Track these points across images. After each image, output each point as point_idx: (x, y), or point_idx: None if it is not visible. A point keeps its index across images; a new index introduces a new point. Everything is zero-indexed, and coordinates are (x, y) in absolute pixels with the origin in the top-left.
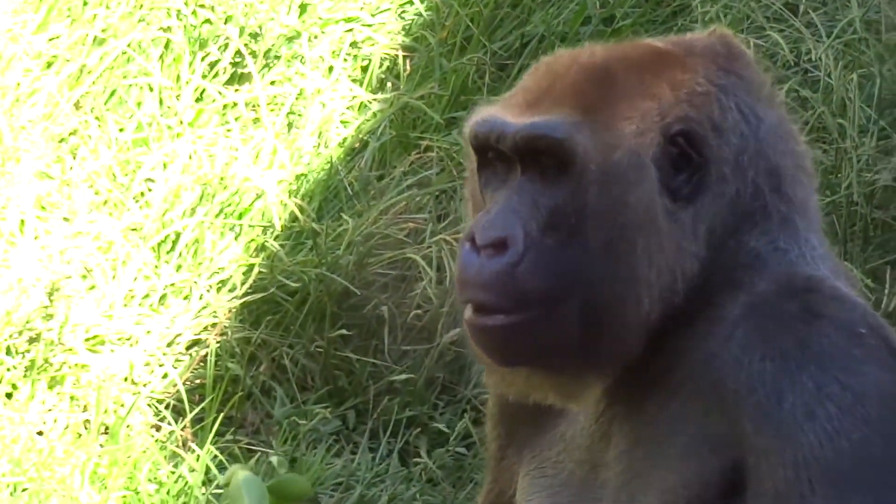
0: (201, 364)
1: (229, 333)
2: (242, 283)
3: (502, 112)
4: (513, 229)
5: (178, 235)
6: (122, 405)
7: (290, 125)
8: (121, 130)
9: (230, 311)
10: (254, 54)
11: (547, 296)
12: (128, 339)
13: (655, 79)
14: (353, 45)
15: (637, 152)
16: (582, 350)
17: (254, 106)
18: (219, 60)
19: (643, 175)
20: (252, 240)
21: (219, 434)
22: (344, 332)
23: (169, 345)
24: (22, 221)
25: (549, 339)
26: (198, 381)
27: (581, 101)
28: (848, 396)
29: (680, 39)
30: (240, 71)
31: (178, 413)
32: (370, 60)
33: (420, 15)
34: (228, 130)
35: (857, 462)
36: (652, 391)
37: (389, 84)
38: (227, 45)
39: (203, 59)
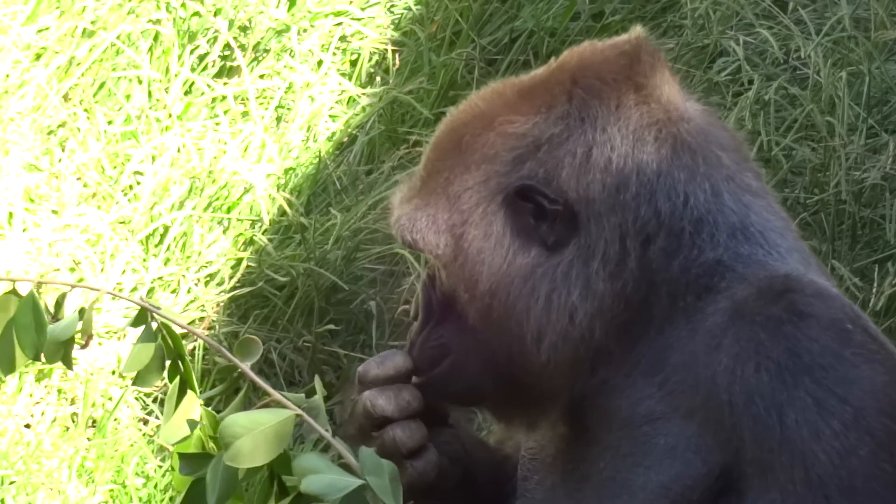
0: (189, 358)
1: (217, 327)
2: (230, 277)
3: (399, 196)
4: (423, 300)
5: (166, 229)
6: (110, 398)
7: (278, 119)
8: (109, 123)
9: (218, 304)
10: (243, 47)
11: (437, 364)
12: (115, 333)
13: (496, 136)
14: (343, 39)
15: (480, 222)
16: (506, 397)
17: (243, 99)
18: (208, 53)
19: (493, 241)
20: (240, 234)
21: None
22: (332, 326)
23: None
24: (10, 214)
25: (458, 391)
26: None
27: (430, 183)
28: (849, 411)
29: (541, 76)
30: (229, 64)
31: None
32: (359, 55)
33: (409, 9)
34: (217, 124)
35: (870, 478)
36: (629, 395)
37: (378, 78)
38: (216, 38)
39: (192, 51)
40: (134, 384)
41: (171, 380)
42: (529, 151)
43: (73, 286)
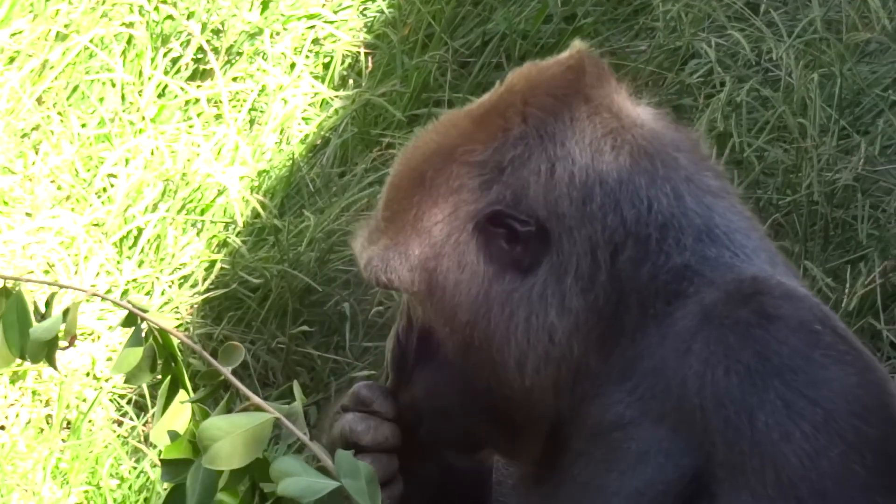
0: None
1: (191, 329)
2: (204, 279)
3: (363, 238)
4: (393, 357)
5: (140, 231)
6: (84, 400)
7: (252, 121)
8: (83, 126)
9: (192, 306)
10: (216, 50)
11: (424, 410)
12: (90, 335)
13: (458, 166)
14: (315, 41)
15: (452, 254)
16: (492, 429)
17: (216, 102)
18: (181, 56)
19: (467, 271)
20: (214, 236)
21: None
22: (305, 328)
23: None
24: None
25: (447, 434)
26: (158, 377)
27: (397, 222)
28: (819, 412)
29: (491, 101)
30: (202, 67)
31: (140, 408)
32: (332, 57)
33: (382, 12)
34: (190, 126)
35: (840, 479)
36: (600, 402)
37: (351, 81)
38: (189, 42)
39: (165, 55)
40: (126, 382)
41: (163, 379)
42: (494, 176)
43: (60, 286)
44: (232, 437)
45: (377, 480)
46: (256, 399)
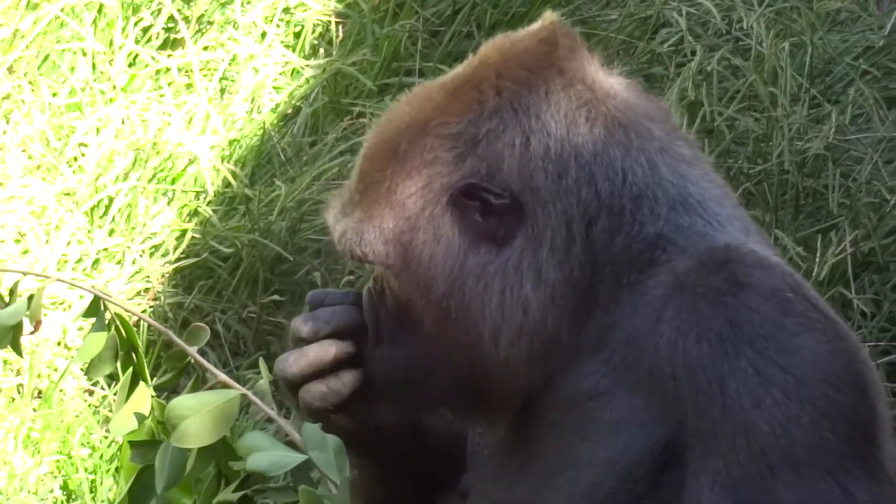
0: (134, 328)
1: (162, 298)
2: (175, 249)
3: (334, 209)
4: (369, 314)
5: (111, 200)
6: (56, 370)
7: (222, 91)
8: (54, 95)
9: (163, 276)
10: (187, 19)
11: (398, 375)
12: (61, 304)
13: (432, 139)
14: (286, 10)
15: (427, 226)
16: (469, 401)
17: (187, 71)
18: (152, 25)
19: (442, 244)
20: (185, 205)
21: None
22: (277, 297)
23: None
24: None
25: (422, 400)
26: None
27: (371, 194)
28: (790, 380)
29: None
30: (173, 36)
31: (112, 377)
32: (303, 26)
33: None
34: (161, 95)
35: (812, 447)
36: (575, 372)
37: (322, 50)
38: (160, 11)
39: (136, 24)
40: (86, 374)
41: (123, 371)
42: (468, 149)
43: (25, 273)
44: (200, 414)
45: (345, 452)
46: (223, 376)
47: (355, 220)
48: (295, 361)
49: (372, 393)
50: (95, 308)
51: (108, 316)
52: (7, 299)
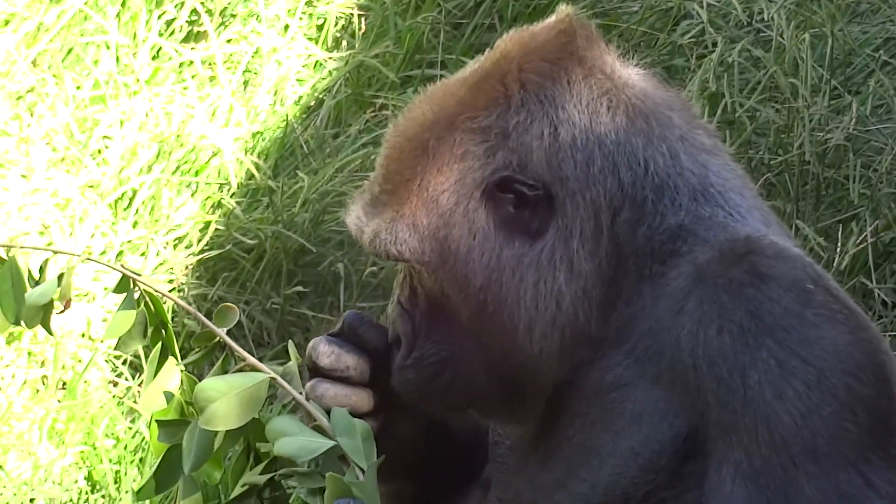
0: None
1: (186, 290)
2: (199, 240)
3: (361, 211)
4: (402, 324)
5: (134, 192)
6: (80, 361)
7: (246, 83)
8: (78, 88)
9: (187, 267)
10: (210, 12)
11: (436, 379)
12: (85, 296)
13: (462, 133)
14: (309, 3)
15: (462, 221)
16: (501, 397)
17: (210, 64)
18: (175, 18)
19: (478, 238)
20: (208, 197)
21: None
22: (300, 288)
23: None
24: None
25: (459, 401)
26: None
27: (400, 193)
28: (811, 371)
29: (486, 68)
30: (196, 29)
31: (135, 369)
32: (325, 19)
33: None
34: (185, 88)
35: (833, 438)
36: (598, 364)
37: (345, 42)
38: (183, 3)
39: (160, 17)
40: (116, 349)
41: (153, 346)
42: (499, 142)
43: (55, 252)
44: (228, 397)
45: (373, 438)
46: (252, 359)
47: (387, 219)
48: (325, 392)
49: (394, 412)
50: (125, 285)
51: (137, 293)
52: (37, 279)
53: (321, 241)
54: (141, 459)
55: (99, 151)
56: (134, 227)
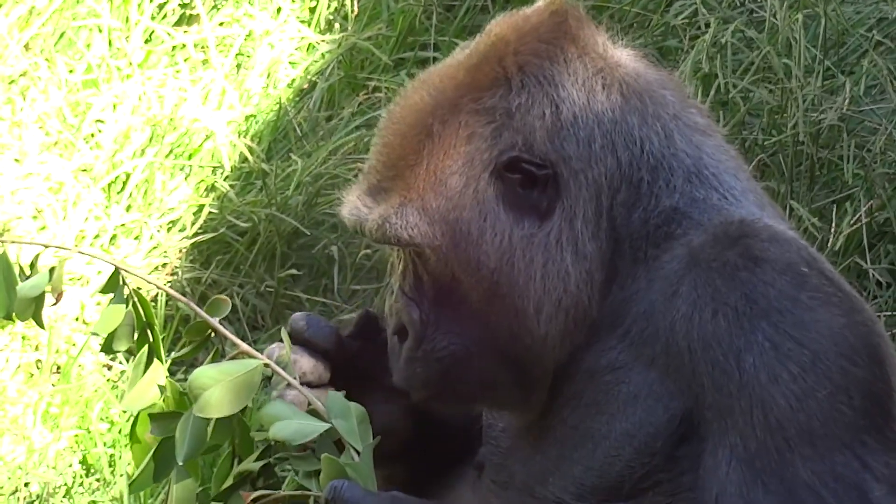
0: (151, 304)
1: (179, 273)
2: (192, 224)
3: (360, 200)
4: (408, 314)
5: (128, 176)
6: (74, 345)
7: (238, 66)
8: (70, 72)
9: (180, 251)
10: None
11: (448, 371)
12: (78, 279)
13: (466, 115)
14: None
15: (473, 203)
16: (508, 382)
17: (203, 47)
18: (167, 2)
19: (489, 219)
20: (202, 180)
21: (170, 373)
22: (294, 271)
23: None
24: None
25: (469, 392)
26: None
27: (406, 178)
28: (806, 354)
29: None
30: (188, 12)
31: (129, 352)
32: (318, 1)
33: None
34: (178, 72)
35: (828, 420)
36: (593, 347)
37: (337, 25)
38: None
39: (152, 0)
40: (102, 350)
41: (139, 348)
42: (504, 122)
43: (46, 246)
44: (222, 384)
45: (369, 421)
46: (245, 346)
47: (395, 204)
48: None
49: (370, 399)
50: (115, 282)
51: (126, 291)
52: (28, 273)
53: (315, 224)
54: None
55: (92, 135)
56: (127, 210)
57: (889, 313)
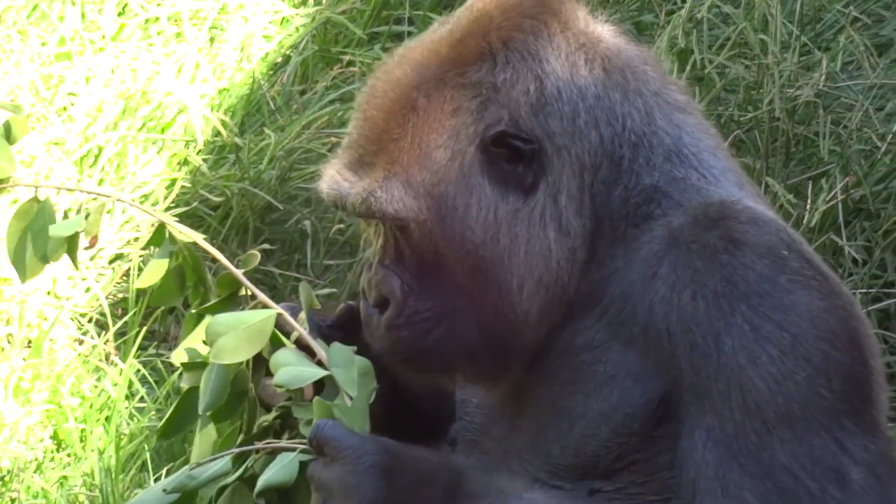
0: (124, 278)
1: (151, 248)
2: (165, 198)
3: (340, 174)
4: (390, 286)
5: (100, 149)
6: (45, 319)
7: (212, 39)
8: (43, 45)
9: (152, 225)
10: None
11: (430, 335)
12: None
13: (451, 90)
14: None
15: (459, 177)
16: (489, 357)
17: (176, 20)
18: None
19: (475, 194)
20: (174, 154)
21: (142, 348)
22: (267, 246)
23: (91, 259)
24: None
25: (450, 358)
26: (120, 296)
27: (390, 152)
28: (786, 336)
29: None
30: None
31: (101, 327)
32: None
33: None
34: (151, 45)
35: (807, 403)
36: (570, 326)
37: None
38: None
39: None
40: (152, 302)
41: (192, 302)
42: (490, 96)
43: (83, 191)
44: (236, 331)
45: (373, 374)
46: (263, 297)
47: (378, 178)
48: None
49: None
50: (160, 235)
51: (173, 247)
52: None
53: (288, 199)
54: (107, 418)
55: (64, 108)
56: (100, 184)
57: (864, 290)
